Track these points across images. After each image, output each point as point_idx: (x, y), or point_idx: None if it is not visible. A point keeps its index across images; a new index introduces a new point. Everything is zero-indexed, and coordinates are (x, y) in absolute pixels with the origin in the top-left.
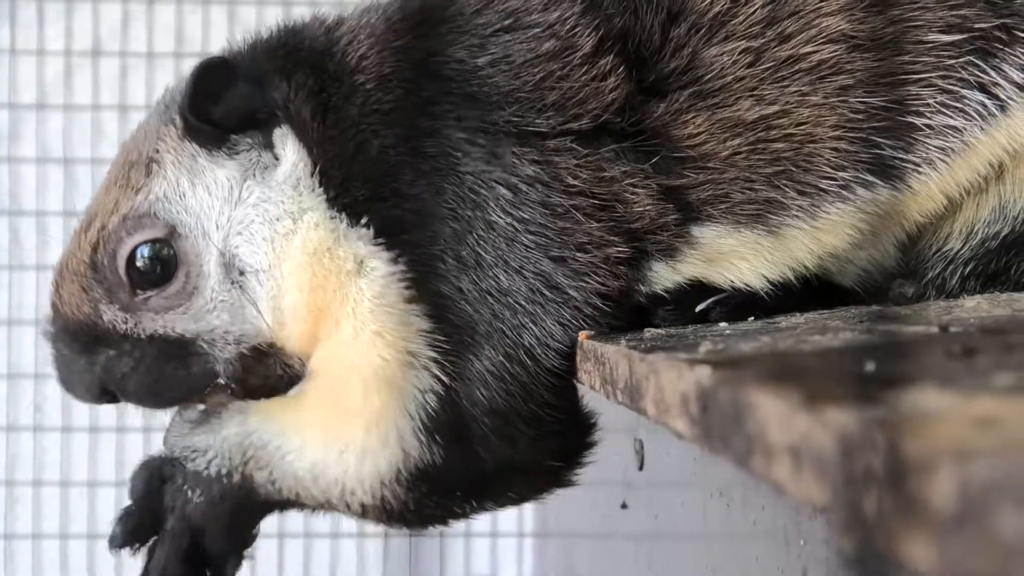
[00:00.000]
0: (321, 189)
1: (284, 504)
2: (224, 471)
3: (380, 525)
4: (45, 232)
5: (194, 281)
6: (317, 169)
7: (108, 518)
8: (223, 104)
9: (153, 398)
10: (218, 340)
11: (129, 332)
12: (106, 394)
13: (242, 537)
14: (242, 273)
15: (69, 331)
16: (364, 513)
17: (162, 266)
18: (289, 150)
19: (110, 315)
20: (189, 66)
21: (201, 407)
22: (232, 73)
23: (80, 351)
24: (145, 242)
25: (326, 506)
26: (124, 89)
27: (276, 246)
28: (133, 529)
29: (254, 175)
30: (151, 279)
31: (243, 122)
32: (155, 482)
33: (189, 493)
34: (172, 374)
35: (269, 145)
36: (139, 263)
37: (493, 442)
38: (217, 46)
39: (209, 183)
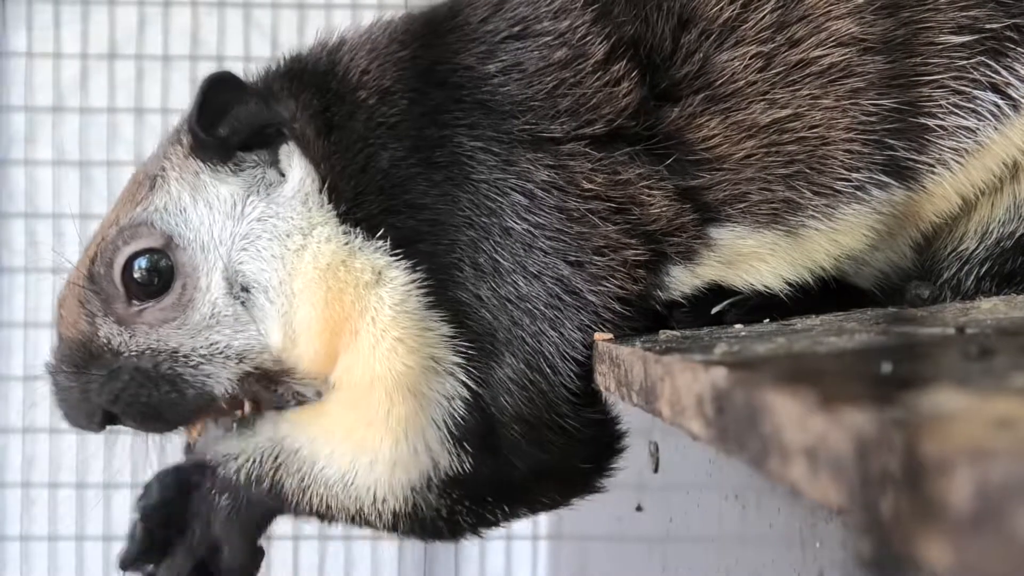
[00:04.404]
0: (331, 204)
1: (314, 516)
2: (254, 476)
3: (414, 538)
4: (61, 234)
5: (190, 293)
6: (326, 185)
7: (124, 520)
8: (230, 120)
9: (150, 421)
10: (217, 356)
11: (123, 347)
12: (109, 418)
13: (255, 555)
14: (246, 290)
15: (67, 353)
16: (396, 522)
17: (159, 276)
18: (295, 166)
19: (105, 329)
20: (204, 69)
21: (237, 415)
22: (241, 87)
23: (77, 375)
24: (142, 251)
25: (357, 517)
26: (140, 92)
27: (287, 262)
28: (145, 542)
29: (258, 191)
30: (148, 290)
31: (249, 139)
32: (172, 491)
33: (216, 499)
34: (165, 396)
35: (275, 162)
36: (136, 273)
37: (524, 448)
38: (232, 49)
39: (211, 198)
